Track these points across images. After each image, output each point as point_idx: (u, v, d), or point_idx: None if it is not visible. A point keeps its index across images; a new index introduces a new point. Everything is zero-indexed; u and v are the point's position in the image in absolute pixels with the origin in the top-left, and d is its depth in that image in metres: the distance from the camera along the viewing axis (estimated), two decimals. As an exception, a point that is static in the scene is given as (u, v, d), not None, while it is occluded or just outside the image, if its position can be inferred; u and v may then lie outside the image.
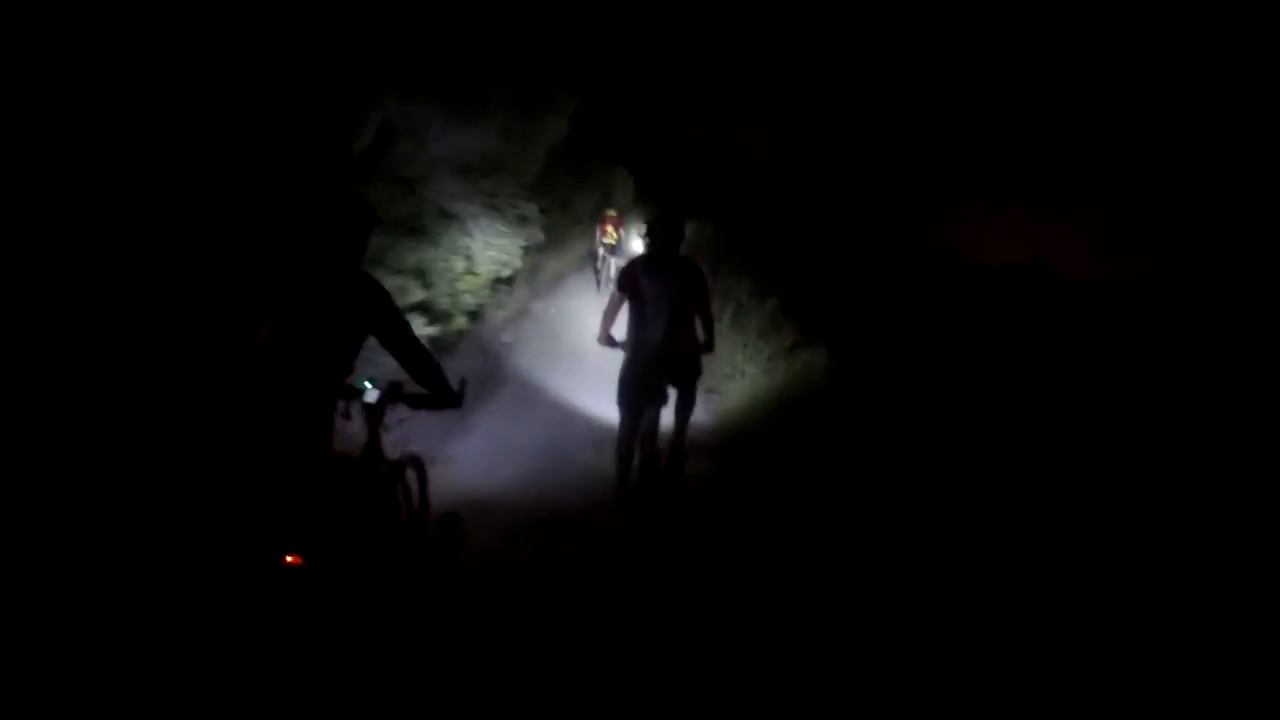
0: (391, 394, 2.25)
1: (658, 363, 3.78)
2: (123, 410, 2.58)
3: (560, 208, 9.98)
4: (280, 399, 1.99)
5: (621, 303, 3.87)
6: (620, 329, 3.88)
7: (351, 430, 2.29)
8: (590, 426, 5.34)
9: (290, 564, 1.80)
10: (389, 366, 2.33)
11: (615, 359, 3.92)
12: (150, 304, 2.87)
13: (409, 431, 2.55)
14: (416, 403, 2.27)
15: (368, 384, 2.25)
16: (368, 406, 2.22)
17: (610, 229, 10.72)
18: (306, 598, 1.84)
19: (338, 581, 1.94)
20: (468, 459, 4.53)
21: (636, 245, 10.77)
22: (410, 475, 2.57)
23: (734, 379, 7.19)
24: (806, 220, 16.46)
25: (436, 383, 2.26)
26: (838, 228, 16.22)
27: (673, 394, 3.98)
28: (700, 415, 5.47)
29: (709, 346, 4.05)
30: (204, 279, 3.00)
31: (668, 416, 3.98)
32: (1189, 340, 5.51)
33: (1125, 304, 7.80)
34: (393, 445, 2.38)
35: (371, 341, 2.20)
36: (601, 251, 10.68)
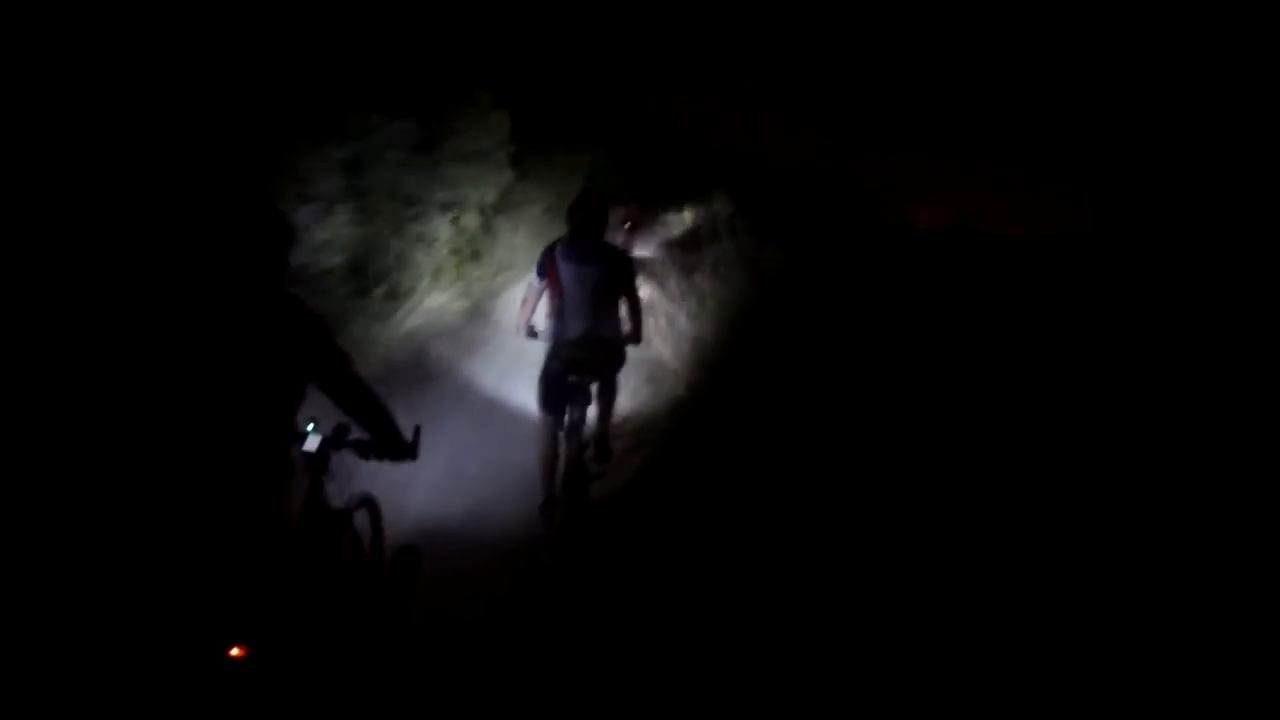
0: (336, 440, 2.03)
1: (579, 357, 3.51)
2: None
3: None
4: (203, 468, 1.64)
5: (541, 291, 3.60)
6: (542, 319, 3.67)
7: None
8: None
9: (235, 657, 1.59)
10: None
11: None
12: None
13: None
14: (365, 450, 2.04)
15: (309, 428, 2.03)
16: (308, 455, 2.00)
17: None
18: (254, 690, 1.64)
19: (288, 664, 1.74)
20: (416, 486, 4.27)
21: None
22: (361, 517, 2.37)
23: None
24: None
25: (386, 430, 2.00)
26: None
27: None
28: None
29: (636, 337, 3.78)
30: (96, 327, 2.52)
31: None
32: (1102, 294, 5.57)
33: (1044, 260, 7.97)
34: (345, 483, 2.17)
35: None
36: None
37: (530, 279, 3.66)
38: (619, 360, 3.74)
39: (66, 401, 1.92)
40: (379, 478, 2.25)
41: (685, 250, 8.87)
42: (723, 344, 5.74)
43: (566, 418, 3.60)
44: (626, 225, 12.09)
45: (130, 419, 1.60)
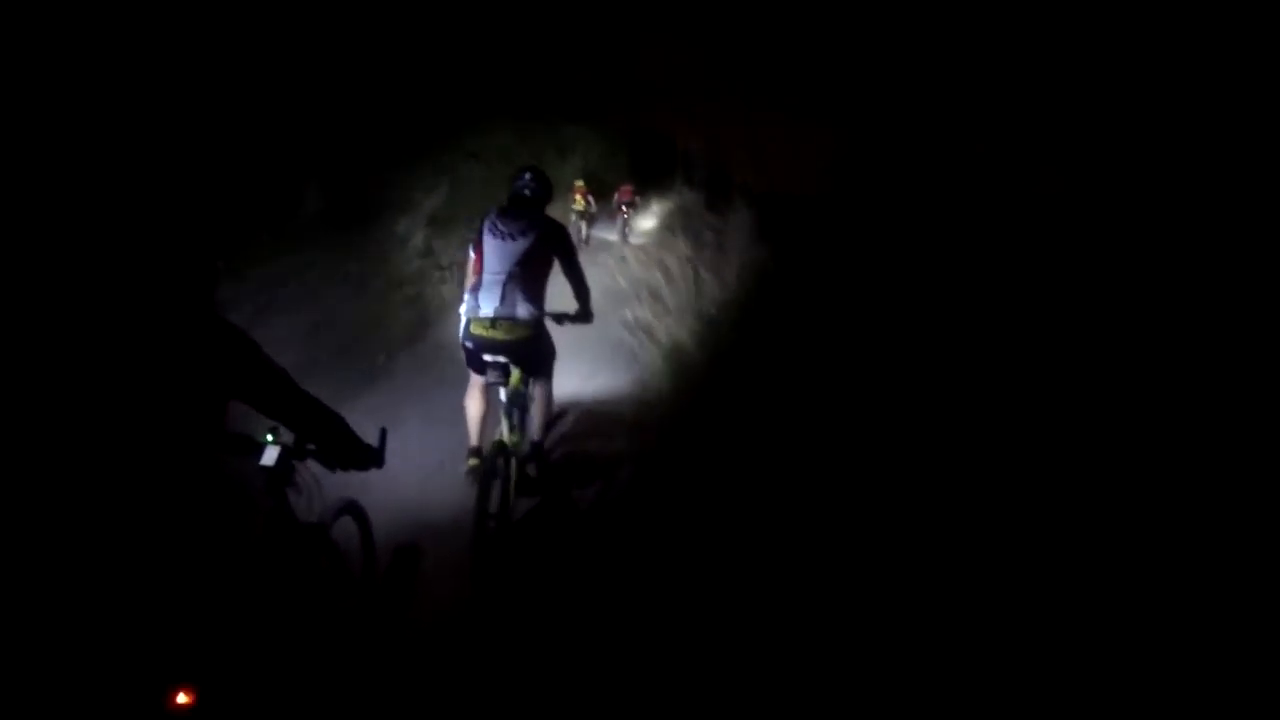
0: (297, 450, 1.84)
1: (487, 338, 3.20)
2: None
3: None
4: (121, 494, 1.35)
5: (472, 271, 3.32)
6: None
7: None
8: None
9: (181, 705, 1.39)
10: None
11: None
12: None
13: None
14: (330, 460, 1.84)
15: (268, 438, 1.83)
16: (266, 470, 1.80)
17: (579, 197, 11.99)
18: None
19: (246, 705, 1.54)
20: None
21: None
22: (342, 527, 2.25)
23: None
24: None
25: (342, 440, 1.78)
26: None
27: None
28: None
29: (584, 314, 3.54)
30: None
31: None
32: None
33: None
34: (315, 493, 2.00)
35: None
36: (573, 219, 11.61)
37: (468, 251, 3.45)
38: (539, 347, 3.40)
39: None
40: (370, 478, 2.06)
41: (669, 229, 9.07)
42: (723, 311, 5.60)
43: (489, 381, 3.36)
44: (624, 205, 12.92)
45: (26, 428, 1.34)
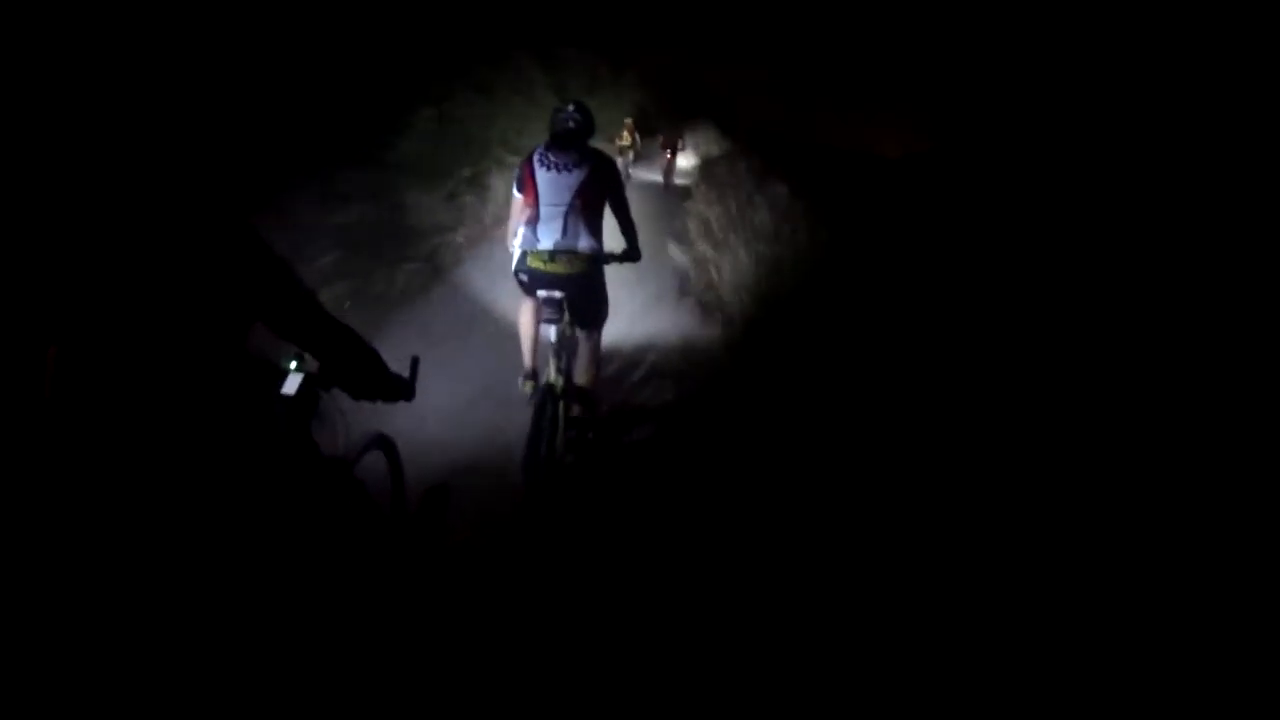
0: (323, 379, 1.62)
1: (546, 272, 3.10)
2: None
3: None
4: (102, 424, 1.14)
5: (522, 205, 3.20)
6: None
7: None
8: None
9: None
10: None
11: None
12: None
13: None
14: (357, 390, 1.61)
15: (292, 365, 1.61)
16: (287, 399, 1.58)
17: (626, 134, 12.69)
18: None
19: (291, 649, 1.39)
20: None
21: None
22: (373, 459, 2.07)
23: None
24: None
25: (371, 370, 1.57)
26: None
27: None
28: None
29: (633, 253, 3.38)
30: None
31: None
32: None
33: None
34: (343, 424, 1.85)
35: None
36: (619, 155, 12.17)
37: (513, 193, 3.29)
38: (596, 289, 3.28)
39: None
40: (398, 410, 1.91)
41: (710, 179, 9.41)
42: (753, 276, 5.48)
43: (542, 346, 3.28)
44: (667, 149, 13.08)
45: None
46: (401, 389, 1.67)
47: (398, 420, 2.40)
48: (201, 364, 1.22)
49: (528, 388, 3.35)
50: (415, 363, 1.79)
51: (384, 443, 2.14)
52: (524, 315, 3.40)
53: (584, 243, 3.10)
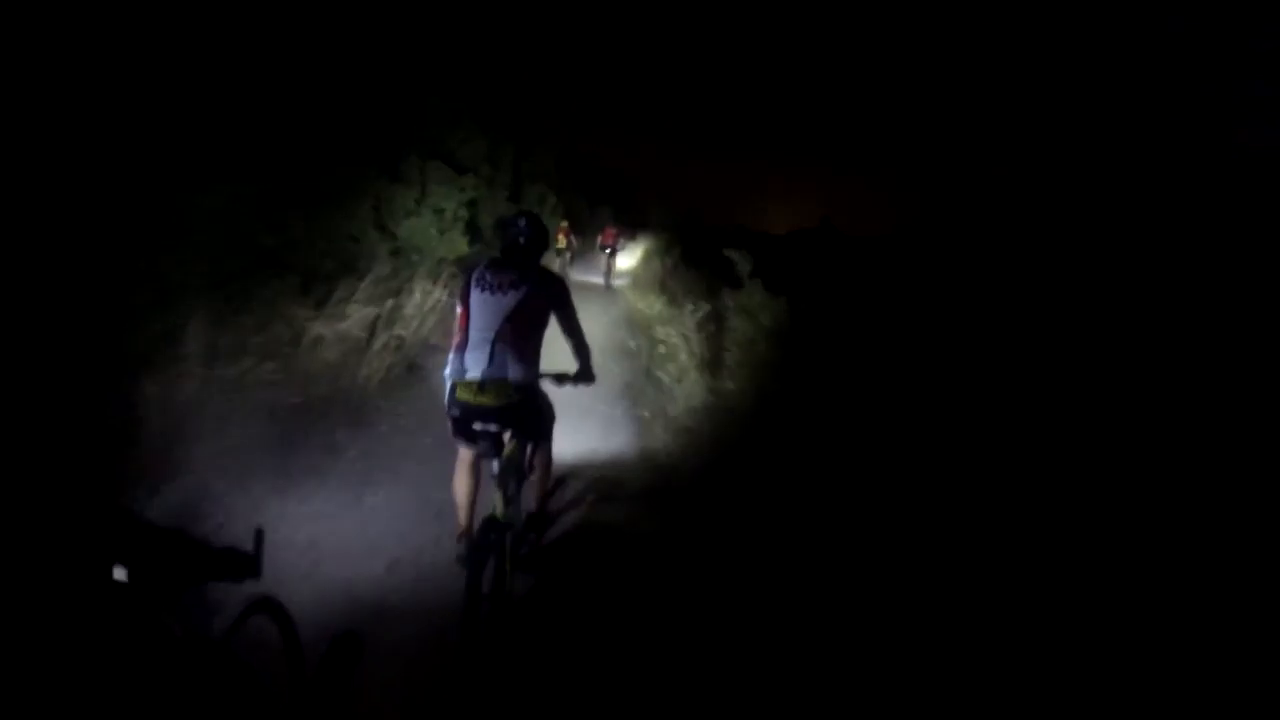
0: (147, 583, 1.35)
1: (476, 404, 2.79)
2: None
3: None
4: None
5: (459, 328, 2.92)
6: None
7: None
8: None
9: None
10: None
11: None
12: None
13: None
14: (179, 587, 1.41)
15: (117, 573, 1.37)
16: (121, 586, 1.29)
17: (561, 236, 12.37)
18: None
19: None
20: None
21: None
22: (252, 628, 1.75)
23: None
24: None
25: (215, 552, 1.49)
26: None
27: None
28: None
29: (586, 375, 3.10)
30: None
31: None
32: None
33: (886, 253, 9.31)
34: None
35: None
36: (555, 258, 12.00)
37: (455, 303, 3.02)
38: (536, 411, 3.03)
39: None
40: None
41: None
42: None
43: (480, 453, 2.96)
44: (607, 248, 13.17)
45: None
46: (247, 565, 1.55)
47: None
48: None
49: (462, 549, 3.00)
50: (260, 536, 1.62)
51: (267, 604, 1.83)
52: (458, 471, 3.11)
53: (514, 372, 2.81)
